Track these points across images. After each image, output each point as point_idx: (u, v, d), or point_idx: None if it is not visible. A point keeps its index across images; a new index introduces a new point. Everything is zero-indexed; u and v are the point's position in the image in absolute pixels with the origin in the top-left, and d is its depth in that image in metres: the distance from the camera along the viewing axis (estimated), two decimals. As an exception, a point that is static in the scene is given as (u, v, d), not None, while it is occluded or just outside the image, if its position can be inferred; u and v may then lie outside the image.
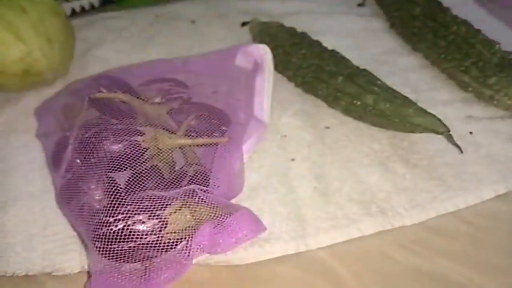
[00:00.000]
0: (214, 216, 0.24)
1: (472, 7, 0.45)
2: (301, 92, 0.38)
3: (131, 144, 0.28)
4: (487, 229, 0.29)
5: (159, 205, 0.23)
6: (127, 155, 0.28)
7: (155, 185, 0.28)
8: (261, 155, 0.33)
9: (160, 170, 0.29)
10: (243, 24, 0.44)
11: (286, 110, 0.37)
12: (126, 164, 0.27)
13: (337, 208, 0.30)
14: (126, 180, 0.27)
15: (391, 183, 0.31)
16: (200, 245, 0.23)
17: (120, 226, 0.23)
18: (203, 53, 0.38)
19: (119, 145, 0.28)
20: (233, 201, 0.30)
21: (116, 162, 0.27)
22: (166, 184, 0.28)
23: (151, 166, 0.28)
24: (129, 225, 0.23)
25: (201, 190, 0.25)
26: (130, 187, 0.27)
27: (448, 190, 0.30)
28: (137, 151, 0.28)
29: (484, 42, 0.34)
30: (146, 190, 0.27)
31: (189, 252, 0.23)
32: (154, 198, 0.24)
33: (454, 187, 0.30)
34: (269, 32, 0.39)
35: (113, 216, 0.23)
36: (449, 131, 0.31)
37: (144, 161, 0.28)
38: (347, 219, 0.29)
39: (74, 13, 0.48)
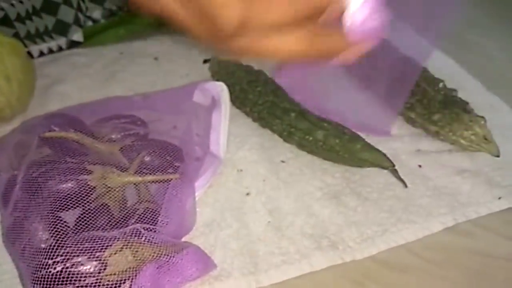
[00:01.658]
0: (158, 256, 0.24)
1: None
2: (258, 127, 0.38)
3: (78, 183, 0.28)
4: (436, 262, 0.29)
5: (99, 247, 0.23)
6: (74, 194, 0.27)
7: (104, 224, 0.28)
8: (217, 190, 0.33)
9: (109, 208, 0.28)
10: (205, 61, 0.45)
11: (244, 144, 0.37)
12: (72, 203, 0.27)
13: (290, 243, 0.30)
14: (75, 219, 0.27)
15: (342, 217, 0.31)
16: (141, 287, 0.23)
17: (59, 268, 0.22)
18: (163, 90, 0.39)
19: (66, 184, 0.27)
20: (187, 237, 0.30)
21: (62, 201, 0.27)
22: (115, 223, 0.28)
23: (100, 205, 0.28)
24: (67, 267, 0.22)
25: (146, 229, 0.25)
26: (79, 226, 0.27)
27: (397, 223, 0.31)
28: (84, 190, 0.28)
29: (428, 80, 0.36)
30: (95, 229, 0.27)
31: (129, 294, 0.23)
32: (94, 239, 0.24)
33: (403, 220, 0.31)
34: (227, 70, 0.40)
35: (52, 258, 0.23)
36: (394, 166, 0.32)
37: (92, 200, 0.28)
38: (299, 254, 0.29)
39: (42, 54, 0.48)
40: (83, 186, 0.28)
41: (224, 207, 0.32)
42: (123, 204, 0.30)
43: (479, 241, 0.30)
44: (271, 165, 0.35)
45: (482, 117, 0.34)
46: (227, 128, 0.34)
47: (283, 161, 0.35)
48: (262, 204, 0.32)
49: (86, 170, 0.29)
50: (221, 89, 0.35)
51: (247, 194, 0.33)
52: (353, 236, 0.30)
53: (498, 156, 0.33)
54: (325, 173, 0.34)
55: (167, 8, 0.17)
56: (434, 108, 0.34)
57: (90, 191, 0.28)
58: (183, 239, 0.29)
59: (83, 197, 0.28)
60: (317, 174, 0.34)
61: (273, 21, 0.16)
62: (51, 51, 0.49)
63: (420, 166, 0.34)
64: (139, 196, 0.30)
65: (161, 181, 0.29)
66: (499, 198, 0.32)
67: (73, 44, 0.49)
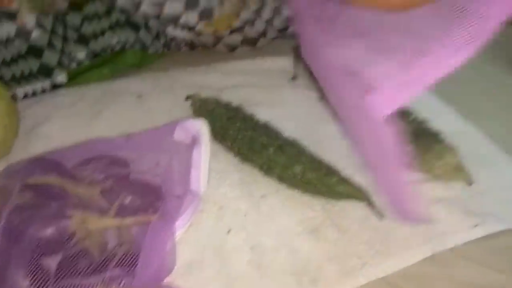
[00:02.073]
0: (136, 301, 0.24)
1: None
2: (239, 162, 0.39)
3: (58, 228, 0.28)
4: (415, 293, 0.29)
5: (76, 295, 0.23)
6: (54, 240, 0.28)
7: (84, 268, 0.28)
8: (198, 228, 0.33)
9: (89, 252, 0.29)
10: (188, 97, 0.46)
11: (225, 180, 0.38)
12: (53, 249, 0.27)
13: (271, 281, 0.30)
14: (56, 264, 0.27)
15: (323, 251, 0.32)
16: (119, 334, 0.23)
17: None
18: (145, 129, 0.39)
19: (47, 230, 0.28)
20: (168, 279, 0.30)
21: (43, 247, 0.27)
22: (95, 267, 0.28)
23: (80, 249, 0.29)
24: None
25: (126, 273, 0.25)
26: (60, 272, 0.27)
27: (376, 255, 0.31)
28: (64, 235, 0.28)
29: (400, 112, 0.37)
30: (76, 274, 0.27)
31: None
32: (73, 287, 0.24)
33: (382, 252, 0.31)
34: (207, 108, 0.41)
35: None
36: (369, 199, 0.32)
37: (72, 245, 0.28)
38: (280, 292, 0.29)
39: (25, 96, 0.49)
40: (63, 231, 0.29)
41: (205, 246, 0.32)
42: (103, 248, 0.30)
43: (458, 270, 0.31)
44: (252, 200, 0.36)
45: (454, 146, 0.35)
46: (207, 166, 0.35)
47: (263, 196, 0.36)
48: (243, 241, 0.33)
49: (66, 215, 0.29)
50: (201, 127, 0.36)
51: (228, 231, 0.33)
52: (333, 270, 0.30)
53: (471, 184, 0.34)
54: (305, 206, 0.35)
55: None
56: (406, 140, 0.35)
57: (70, 236, 0.29)
58: (164, 281, 0.29)
59: (63, 242, 0.28)
60: (298, 207, 0.35)
61: None
62: (34, 93, 0.50)
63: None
64: (120, 238, 0.30)
65: (140, 223, 0.30)
66: (475, 226, 0.32)
67: (57, 86, 0.50)
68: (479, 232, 0.32)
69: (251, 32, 0.51)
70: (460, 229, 0.32)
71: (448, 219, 0.33)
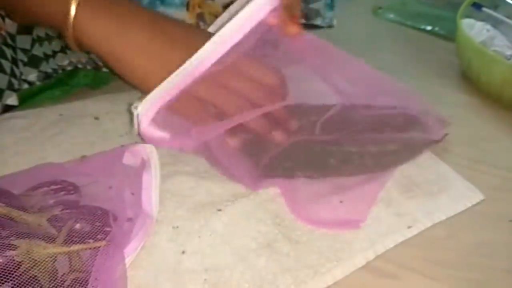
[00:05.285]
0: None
1: None
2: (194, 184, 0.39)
3: (4, 259, 0.28)
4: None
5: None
6: (2, 269, 0.27)
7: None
8: (151, 251, 0.33)
9: (38, 280, 0.28)
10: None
11: (179, 201, 0.37)
12: (2, 279, 0.27)
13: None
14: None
15: (277, 264, 0.32)
16: None
17: None
18: (95, 154, 0.39)
19: (-6, 261, 0.27)
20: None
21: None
22: (44, 296, 0.28)
23: (29, 278, 0.28)
24: None
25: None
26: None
27: (326, 263, 0.32)
28: (10, 266, 0.28)
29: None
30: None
31: None
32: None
33: (332, 259, 0.32)
34: None
35: None
36: None
37: (20, 274, 0.28)
38: (236, 311, 0.29)
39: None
40: (10, 261, 0.28)
41: (159, 269, 0.32)
42: (53, 276, 0.29)
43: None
44: (207, 221, 0.35)
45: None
46: (158, 188, 0.35)
47: (219, 216, 0.36)
48: (197, 261, 0.32)
49: (11, 245, 0.29)
50: (150, 151, 0.36)
51: (183, 252, 0.33)
52: (287, 282, 0.31)
53: None
54: (258, 221, 0.36)
55: None
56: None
57: (17, 266, 0.28)
58: (115, 307, 0.29)
59: (10, 272, 0.28)
60: (251, 222, 0.35)
61: None
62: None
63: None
64: (70, 265, 0.30)
65: (87, 249, 0.29)
66: (409, 227, 0.35)
67: (8, 108, 0.48)
68: (413, 232, 0.35)
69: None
70: (396, 230, 0.35)
71: (384, 222, 0.35)
